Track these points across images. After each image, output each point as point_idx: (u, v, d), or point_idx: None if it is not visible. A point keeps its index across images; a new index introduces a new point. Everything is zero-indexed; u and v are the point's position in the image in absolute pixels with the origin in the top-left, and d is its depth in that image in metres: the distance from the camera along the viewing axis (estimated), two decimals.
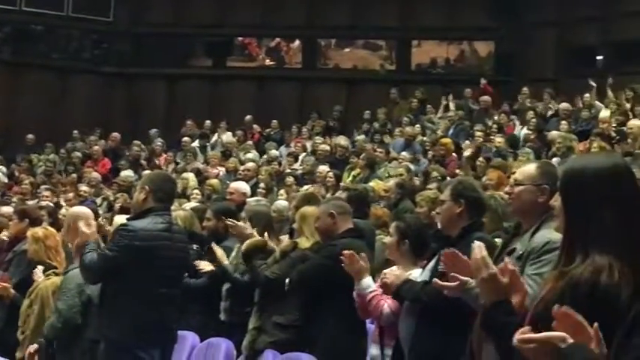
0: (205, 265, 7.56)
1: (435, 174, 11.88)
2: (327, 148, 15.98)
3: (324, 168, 13.61)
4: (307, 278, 6.41)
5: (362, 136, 17.26)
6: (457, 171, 12.70)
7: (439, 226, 5.74)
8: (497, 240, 5.61)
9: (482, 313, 2.90)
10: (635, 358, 2.21)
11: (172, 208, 6.58)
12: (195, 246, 7.74)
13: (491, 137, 15.17)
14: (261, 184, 12.37)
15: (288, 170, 14.97)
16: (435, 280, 3.69)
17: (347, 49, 24.02)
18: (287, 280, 6.46)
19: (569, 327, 2.37)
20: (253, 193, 11.21)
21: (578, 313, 2.46)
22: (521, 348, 2.39)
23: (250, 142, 18.51)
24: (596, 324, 2.34)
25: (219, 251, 7.45)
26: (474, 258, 2.87)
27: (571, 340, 2.33)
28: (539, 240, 4.19)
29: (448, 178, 11.01)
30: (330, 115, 20.57)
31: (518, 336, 2.41)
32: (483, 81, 19.52)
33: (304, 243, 6.74)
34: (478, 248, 2.86)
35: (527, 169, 4.66)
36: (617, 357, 2.30)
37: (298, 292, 6.51)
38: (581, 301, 2.67)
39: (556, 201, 3.05)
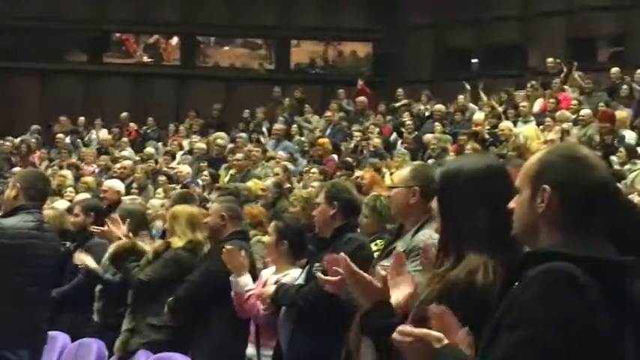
0: (83, 259, 7.32)
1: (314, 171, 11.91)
2: (204, 146, 15.86)
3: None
4: (193, 296, 6.32)
5: (244, 134, 17.17)
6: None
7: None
8: (379, 241, 5.66)
9: (361, 315, 2.87)
10: (499, 358, 2.23)
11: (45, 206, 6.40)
12: (67, 243, 7.55)
13: (370, 137, 15.29)
14: (135, 183, 12.19)
15: (165, 168, 14.81)
16: (319, 274, 3.68)
17: (226, 48, 23.90)
18: (170, 300, 6.34)
19: (444, 327, 2.37)
20: (128, 192, 11.03)
21: (455, 313, 2.46)
22: (399, 342, 2.38)
23: (126, 140, 18.23)
24: (466, 327, 2.35)
25: (84, 258, 7.24)
26: (330, 271, 2.85)
27: (446, 341, 2.32)
28: (421, 238, 4.26)
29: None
30: (209, 113, 20.42)
31: (398, 328, 2.40)
32: (360, 82, 19.66)
33: (177, 242, 6.66)
34: (343, 260, 2.83)
35: (401, 171, 4.77)
36: (483, 357, 2.32)
37: (184, 305, 6.40)
38: (458, 301, 2.67)
39: (434, 203, 3.06)
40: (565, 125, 13.36)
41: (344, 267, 2.83)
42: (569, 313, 2.25)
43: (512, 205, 2.56)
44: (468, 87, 17.40)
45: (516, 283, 2.35)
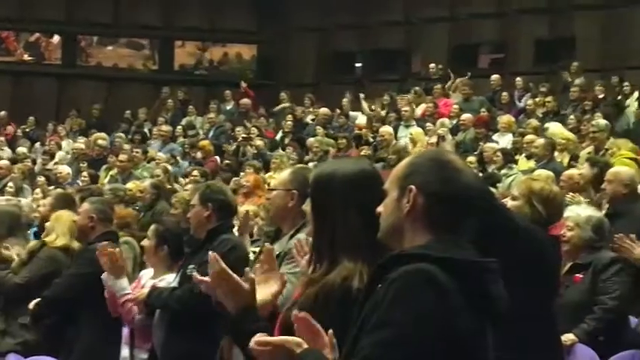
0: None
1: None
2: (84, 147, 15.60)
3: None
4: (60, 298, 6.18)
5: (124, 135, 16.95)
6: None
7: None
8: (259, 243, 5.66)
9: (229, 320, 2.84)
10: (362, 358, 2.25)
11: None
12: None
13: (252, 139, 15.27)
14: (10, 183, 11.89)
15: (43, 168, 14.50)
16: (195, 274, 3.65)
17: (109, 47, 23.51)
18: (35, 302, 6.19)
19: (308, 332, 2.36)
20: (3, 192, 10.76)
21: (332, 319, 2.46)
22: (257, 351, 2.37)
23: (2, 139, 17.79)
24: (331, 330, 2.34)
25: None
26: (211, 270, 2.80)
27: (306, 346, 2.31)
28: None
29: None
30: (90, 113, 20.09)
31: (254, 338, 2.39)
32: (244, 84, 19.61)
33: (53, 241, 6.53)
34: (214, 259, 2.79)
35: (281, 174, 4.77)
36: (346, 358, 2.33)
37: (50, 307, 6.26)
38: (335, 306, 2.69)
39: (307, 206, 3.04)
40: (440, 131, 13.55)
41: (212, 266, 2.79)
42: (431, 313, 2.28)
43: (380, 208, 2.58)
44: (358, 94, 17.45)
45: (379, 285, 2.37)
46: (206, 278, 2.84)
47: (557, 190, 4.82)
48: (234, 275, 2.78)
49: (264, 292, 2.95)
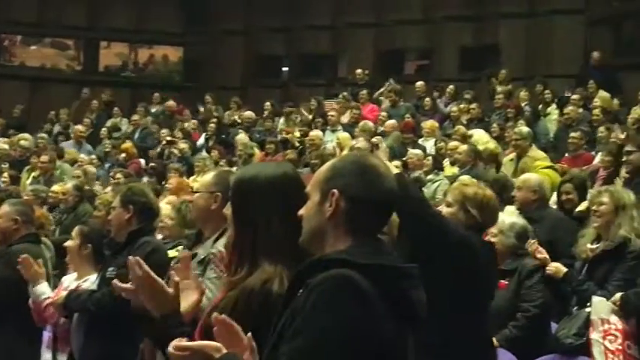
0: None
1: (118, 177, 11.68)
2: (6, 147, 15.31)
3: None
4: None
5: (46, 136, 16.68)
6: None
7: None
8: (180, 248, 5.62)
9: (153, 324, 2.80)
10: None
11: None
12: None
13: (176, 142, 15.17)
14: None
15: None
16: (115, 282, 3.61)
17: (33, 47, 23.16)
18: None
19: (227, 335, 2.34)
20: None
21: (252, 322, 2.45)
22: (175, 356, 2.34)
23: None
24: (250, 334, 2.32)
25: None
26: (132, 274, 2.76)
27: (225, 350, 2.29)
28: (221, 247, 4.18)
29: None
30: (12, 113, 19.75)
31: (172, 343, 2.36)
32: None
33: None
34: (135, 264, 2.75)
35: (205, 177, 4.72)
36: None
37: None
38: (255, 310, 2.67)
39: (228, 209, 3.02)
40: (375, 139, 13.55)
41: (133, 270, 2.75)
42: (352, 319, 2.27)
43: (301, 211, 2.57)
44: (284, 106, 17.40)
45: (300, 291, 2.36)
46: (127, 285, 2.81)
47: (491, 195, 4.86)
48: (159, 279, 2.75)
49: (182, 302, 2.92)
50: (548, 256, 6.09)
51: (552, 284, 6.03)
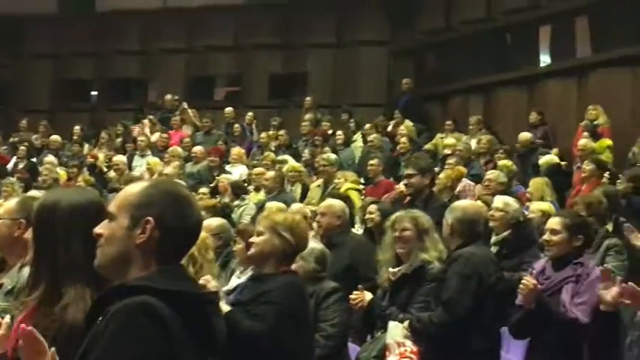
0: None
1: None
2: None
3: None
4: None
5: None
6: None
7: None
8: None
9: None
10: None
11: None
12: None
13: None
14: None
15: None
16: None
17: None
18: None
19: (32, 348, 2.34)
20: None
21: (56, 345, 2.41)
22: None
23: None
24: (53, 348, 2.31)
25: None
26: None
27: None
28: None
29: None
30: None
31: None
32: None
33: None
34: None
35: (8, 203, 4.57)
36: None
37: None
38: (57, 333, 2.64)
39: (29, 234, 2.97)
40: (176, 163, 13.53)
41: None
42: (151, 346, 2.26)
43: (98, 230, 2.52)
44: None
45: (100, 318, 2.33)
46: None
47: (300, 219, 4.95)
48: None
49: None
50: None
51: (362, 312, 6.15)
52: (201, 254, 5.10)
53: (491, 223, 7.46)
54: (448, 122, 15.47)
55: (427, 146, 14.49)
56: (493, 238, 7.48)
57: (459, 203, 6.41)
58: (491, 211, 7.57)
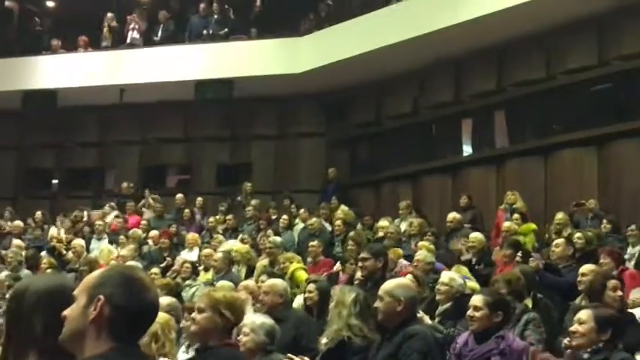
0: None
1: None
2: None
3: None
4: None
5: None
6: None
7: None
8: None
9: None
10: None
11: None
12: None
13: None
14: None
15: None
16: None
17: None
18: None
19: None
20: None
21: None
22: None
23: None
24: None
25: None
26: None
27: None
28: None
29: None
30: None
31: None
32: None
33: None
34: None
35: None
36: None
37: None
38: None
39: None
40: (131, 245, 13.48)
41: None
42: None
43: (66, 312, 2.54)
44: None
45: None
46: None
47: (237, 296, 4.97)
48: None
49: None
50: None
51: None
52: (164, 333, 5.09)
53: (437, 297, 7.54)
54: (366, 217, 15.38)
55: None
56: (438, 310, 7.53)
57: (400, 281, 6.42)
58: (438, 285, 7.65)
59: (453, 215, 13.20)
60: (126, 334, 2.47)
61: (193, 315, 4.93)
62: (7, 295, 3.06)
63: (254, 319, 5.92)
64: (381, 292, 5.77)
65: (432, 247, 11.16)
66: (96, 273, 2.59)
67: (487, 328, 5.69)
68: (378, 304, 5.74)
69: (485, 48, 15.47)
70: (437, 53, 15.82)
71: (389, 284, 5.90)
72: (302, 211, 15.66)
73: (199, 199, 17.56)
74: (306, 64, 17.62)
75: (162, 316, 4.93)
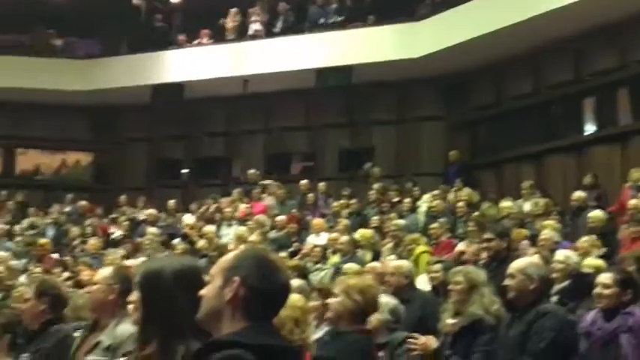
0: None
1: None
2: None
3: None
4: None
5: None
6: None
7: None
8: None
9: None
10: None
11: None
12: None
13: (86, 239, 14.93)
14: None
15: None
16: None
17: None
18: None
19: None
20: None
21: None
22: None
23: None
24: None
25: None
26: None
27: None
28: (124, 333, 4.21)
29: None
30: None
31: None
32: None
33: None
34: None
35: (103, 270, 4.84)
36: None
37: None
38: None
39: (134, 296, 3.03)
40: (262, 230, 13.64)
41: None
42: None
43: (203, 292, 2.61)
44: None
45: None
46: None
47: (371, 283, 5.01)
48: None
49: None
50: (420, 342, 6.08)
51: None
52: (304, 318, 5.15)
53: (553, 274, 7.37)
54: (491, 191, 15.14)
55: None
56: (554, 288, 7.36)
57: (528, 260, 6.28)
58: (553, 263, 7.49)
59: (578, 194, 12.83)
60: (260, 314, 2.52)
61: (329, 299, 4.99)
62: (138, 277, 3.10)
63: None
64: (512, 270, 5.66)
65: (557, 225, 10.90)
66: (230, 255, 2.65)
67: (616, 306, 5.54)
68: (509, 282, 5.64)
69: (606, 24, 15.03)
70: (556, 32, 15.47)
71: (521, 262, 5.80)
72: (427, 195, 15.49)
73: (322, 184, 17.62)
74: (423, 48, 17.49)
75: (299, 299, 4.99)
